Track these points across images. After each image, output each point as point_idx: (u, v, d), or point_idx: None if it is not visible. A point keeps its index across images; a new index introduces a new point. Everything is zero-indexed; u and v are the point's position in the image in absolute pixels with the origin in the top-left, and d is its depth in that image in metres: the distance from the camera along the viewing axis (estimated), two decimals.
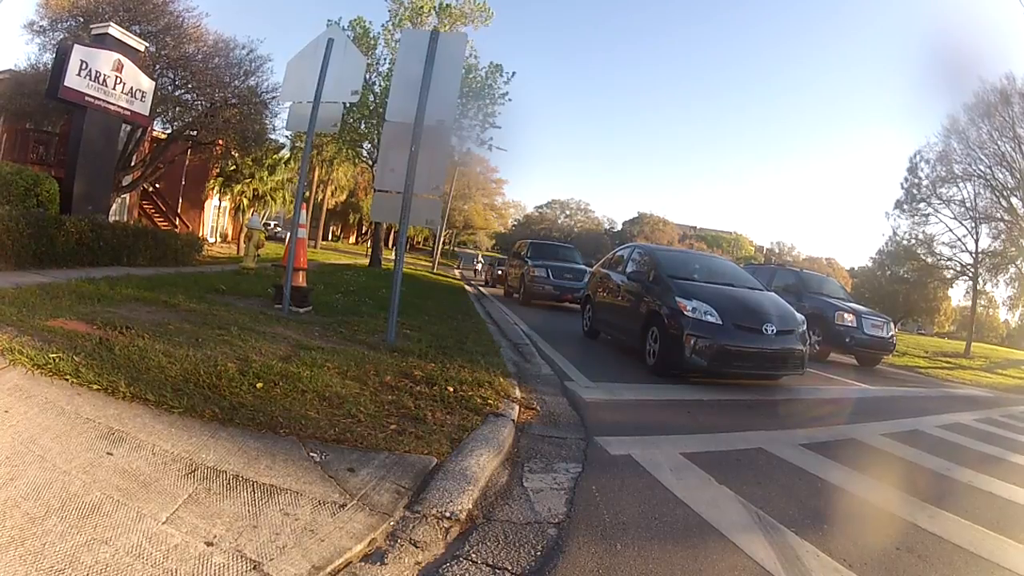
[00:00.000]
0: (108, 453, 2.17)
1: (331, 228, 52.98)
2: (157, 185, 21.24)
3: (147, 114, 11.75)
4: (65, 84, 9.59)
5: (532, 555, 2.02)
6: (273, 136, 19.38)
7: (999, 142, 20.56)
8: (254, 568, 1.65)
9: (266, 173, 21.26)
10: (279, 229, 38.41)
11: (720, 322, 5.69)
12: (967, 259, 22.71)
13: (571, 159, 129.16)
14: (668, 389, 5.45)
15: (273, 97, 16.24)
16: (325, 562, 1.72)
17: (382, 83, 20.59)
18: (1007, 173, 20.62)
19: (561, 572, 1.94)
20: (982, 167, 21.22)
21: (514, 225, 73.80)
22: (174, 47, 14.29)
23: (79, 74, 9.78)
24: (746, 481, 3.06)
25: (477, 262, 36.36)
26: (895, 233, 25.46)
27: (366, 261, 23.76)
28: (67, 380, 2.75)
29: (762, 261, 52.14)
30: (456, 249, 66.38)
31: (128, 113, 10.94)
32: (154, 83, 12.11)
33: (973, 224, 22.07)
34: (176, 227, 20.67)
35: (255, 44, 16.72)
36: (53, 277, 6.38)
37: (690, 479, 2.99)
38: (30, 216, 7.59)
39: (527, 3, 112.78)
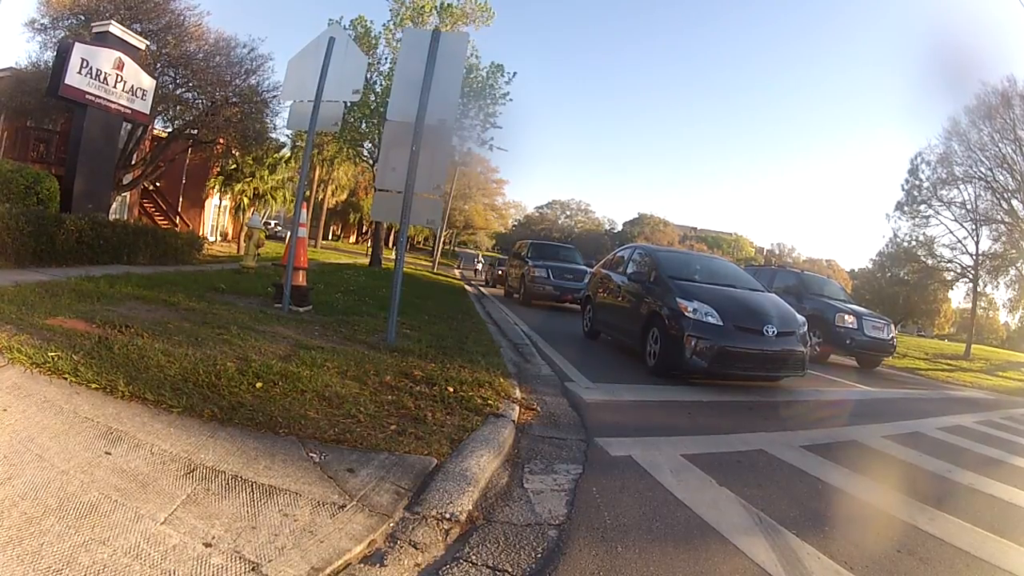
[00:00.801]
0: (106, 452, 2.16)
1: (331, 227, 52.97)
2: (158, 184, 21.23)
3: (148, 112, 11.76)
4: (66, 82, 9.59)
5: (532, 557, 2.01)
6: (274, 135, 19.43)
7: (1000, 144, 20.59)
8: (253, 569, 1.64)
9: (267, 172, 21.26)
10: (279, 228, 38.41)
11: (721, 323, 5.68)
12: (967, 261, 22.76)
13: (572, 160, 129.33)
14: (668, 390, 5.43)
15: (274, 96, 16.24)
16: (324, 563, 1.71)
17: (383, 82, 20.58)
18: (1008, 175, 20.64)
19: (561, 574, 1.93)
20: (983, 169, 21.25)
21: (514, 225, 73.79)
22: (175, 45, 14.29)
23: (80, 72, 9.79)
24: (747, 483, 3.05)
25: (477, 262, 36.36)
26: (895, 235, 25.54)
27: (366, 260, 23.75)
28: (66, 379, 2.74)
29: (762, 262, 52.18)
30: (456, 249, 66.41)
31: (129, 111, 10.94)
32: (155, 81, 12.12)
33: (974, 226, 22.10)
34: (176, 226, 20.66)
35: (256, 43, 16.76)
36: (53, 275, 6.37)
37: (691, 481, 2.98)
38: (30, 214, 7.58)
39: (529, 3, 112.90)
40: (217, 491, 2.02)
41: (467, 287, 20.26)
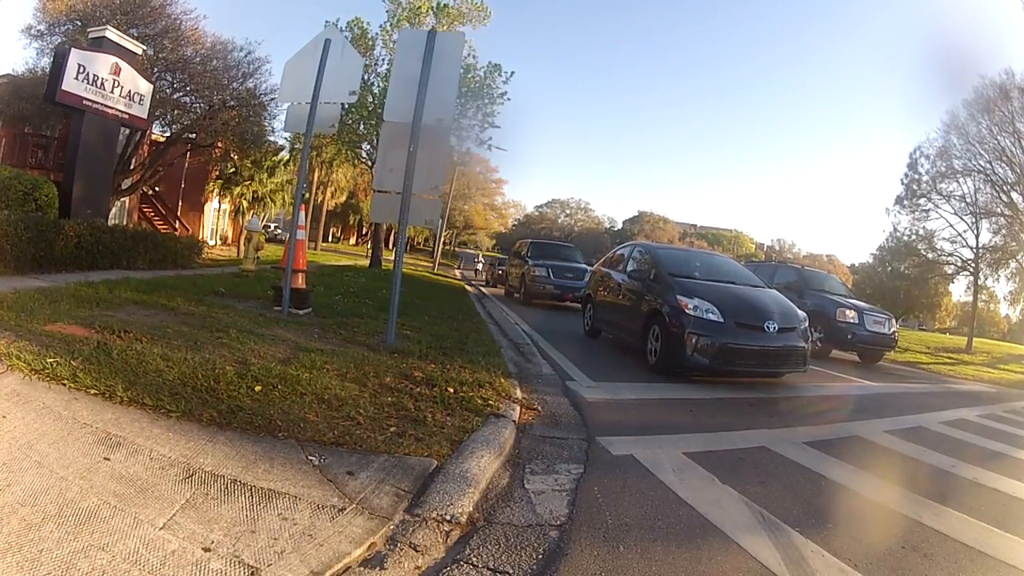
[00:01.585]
0: (105, 458, 2.15)
1: (331, 229, 52.96)
2: (156, 188, 21.25)
3: (145, 117, 11.76)
4: (63, 88, 9.59)
5: (534, 558, 2.00)
6: (272, 138, 19.46)
7: (999, 137, 20.58)
8: (252, 574, 1.63)
9: (265, 175, 21.29)
10: (279, 231, 38.42)
11: (722, 320, 5.67)
12: (968, 254, 22.76)
13: (571, 158, 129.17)
14: (670, 388, 5.42)
15: (272, 99, 16.27)
16: (324, 567, 1.70)
17: (381, 84, 20.57)
18: (1007, 168, 20.63)
19: (563, 575, 1.92)
20: (982, 162, 21.25)
21: (514, 225, 73.77)
22: (172, 50, 14.31)
23: (77, 78, 9.78)
24: (749, 480, 3.04)
25: (478, 262, 36.39)
26: (896, 229, 25.54)
27: (366, 262, 23.74)
28: (64, 385, 2.73)
29: (762, 259, 52.15)
30: (457, 249, 66.42)
31: (126, 116, 10.94)
32: (152, 86, 12.11)
33: (973, 219, 22.11)
34: (176, 230, 20.66)
35: (253, 46, 16.78)
36: (52, 281, 6.37)
37: (693, 479, 2.97)
38: (29, 220, 7.58)
39: (526, 2, 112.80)
40: (216, 495, 2.01)
41: (468, 287, 20.25)
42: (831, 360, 9.99)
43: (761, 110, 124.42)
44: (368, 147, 22.68)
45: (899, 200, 24.61)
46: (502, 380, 4.21)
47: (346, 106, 14.88)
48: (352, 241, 57.30)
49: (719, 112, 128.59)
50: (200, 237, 20.69)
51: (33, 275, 7.02)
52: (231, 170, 20.54)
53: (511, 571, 1.90)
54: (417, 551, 1.89)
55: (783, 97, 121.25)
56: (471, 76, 20.30)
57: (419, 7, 20.86)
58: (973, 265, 22.52)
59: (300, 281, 6.80)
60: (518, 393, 4.13)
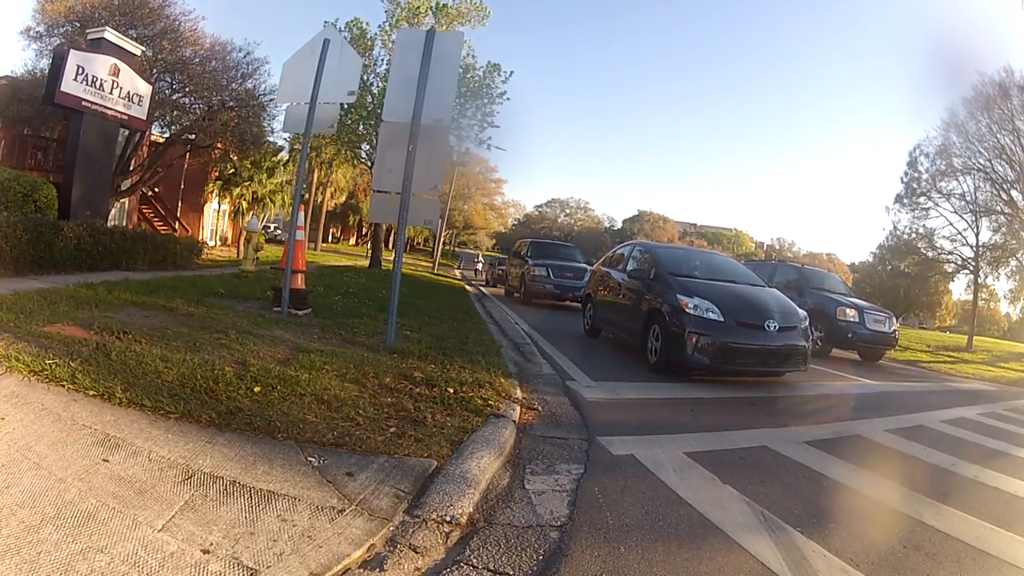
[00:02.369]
0: (104, 460, 2.14)
1: (331, 230, 52.95)
2: (156, 189, 21.25)
3: (145, 118, 11.76)
4: (62, 89, 9.59)
5: (534, 559, 1.99)
6: (271, 138, 19.45)
7: (998, 135, 20.57)
8: None
9: (265, 176, 21.29)
10: (279, 231, 38.40)
11: (722, 319, 5.66)
12: (968, 253, 22.75)
13: (571, 158, 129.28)
14: (670, 387, 5.41)
15: (271, 99, 16.25)
16: (323, 569, 1.70)
17: (379, 84, 20.55)
18: (1007, 166, 20.62)
19: None
20: (982, 160, 21.24)
21: (514, 224, 73.75)
22: (171, 51, 14.30)
23: (76, 79, 9.78)
24: (750, 480, 3.03)
25: (477, 262, 36.40)
26: (895, 228, 25.54)
27: (366, 262, 23.74)
28: (63, 386, 2.73)
29: (763, 257, 52.16)
30: (456, 249, 66.44)
31: (125, 117, 10.93)
32: (151, 87, 12.10)
33: (973, 218, 22.10)
34: (175, 231, 20.66)
35: (252, 46, 16.78)
36: (51, 282, 6.36)
37: (694, 479, 2.96)
38: (28, 222, 7.57)
39: (525, 2, 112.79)
40: (215, 497, 2.01)
41: (467, 287, 20.24)
42: (831, 359, 9.98)
43: (760, 108, 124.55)
44: (367, 147, 22.66)
45: (899, 198, 24.64)
46: (502, 380, 4.20)
47: (345, 106, 14.91)
48: (352, 241, 57.29)
49: (718, 110, 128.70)
50: (199, 238, 20.68)
51: (32, 276, 7.01)
52: (230, 171, 20.54)
53: (511, 572, 1.89)
54: (417, 552, 1.88)
55: (782, 95, 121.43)
56: (470, 76, 20.28)
57: (418, 7, 20.84)
58: (973, 263, 22.51)
59: (299, 282, 6.79)
60: (518, 393, 4.12)
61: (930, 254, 24.41)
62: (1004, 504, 3.22)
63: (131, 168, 16.19)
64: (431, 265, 32.93)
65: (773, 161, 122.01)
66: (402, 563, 1.81)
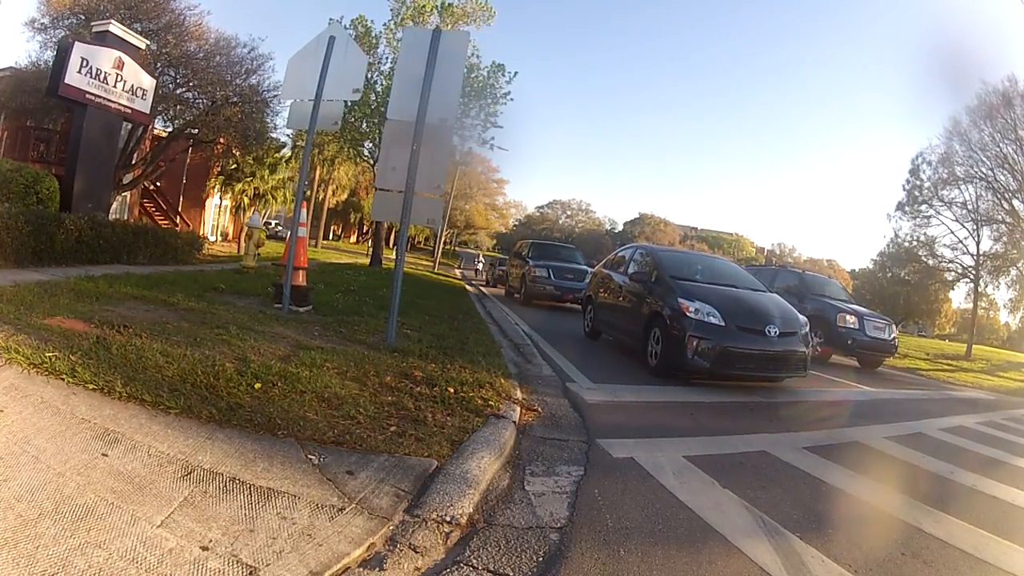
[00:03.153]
0: (103, 454, 2.14)
1: (332, 227, 52.96)
2: (158, 183, 21.20)
3: (148, 112, 11.73)
4: (66, 82, 9.56)
5: (534, 560, 1.99)
6: (274, 135, 19.41)
7: (1001, 144, 20.57)
8: (250, 573, 1.62)
9: (267, 172, 21.23)
10: (280, 228, 38.40)
11: (722, 323, 5.66)
12: (968, 261, 22.75)
13: (573, 159, 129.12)
14: (670, 391, 5.41)
15: (274, 95, 16.22)
16: (323, 567, 1.69)
17: (384, 82, 20.55)
18: (1009, 175, 20.62)
19: None
20: (984, 169, 21.24)
21: (515, 225, 73.76)
22: (175, 45, 14.27)
23: (80, 72, 9.76)
24: (750, 485, 3.03)
25: (478, 262, 36.35)
26: (896, 235, 25.55)
27: (367, 261, 23.72)
28: (63, 380, 2.72)
29: (763, 262, 52.15)
30: (457, 249, 66.39)
31: (129, 111, 10.91)
32: (155, 81, 12.08)
33: (974, 226, 22.10)
34: (177, 226, 20.65)
35: (256, 42, 16.75)
36: (52, 275, 6.35)
37: (693, 482, 2.96)
38: (30, 214, 7.56)
39: (530, 3, 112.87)
40: (215, 493, 2.00)
41: (468, 287, 20.23)
42: (831, 365, 9.98)
43: (763, 113, 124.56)
44: (370, 145, 22.66)
45: (901, 206, 24.65)
46: (502, 381, 4.20)
47: (349, 104, 14.88)
48: (353, 239, 57.30)
49: (721, 115, 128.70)
50: (201, 233, 20.69)
51: (33, 269, 7.00)
52: (233, 166, 20.48)
53: (511, 573, 1.89)
54: (417, 552, 1.88)
55: (785, 100, 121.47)
56: (474, 76, 20.27)
57: (423, 6, 20.86)
58: (974, 272, 22.52)
59: (301, 279, 6.79)
60: (518, 394, 4.12)
61: (931, 262, 24.42)
62: (1002, 513, 3.22)
63: (133, 162, 16.16)
64: (432, 264, 32.90)
65: (775, 166, 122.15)
66: (402, 563, 1.81)
